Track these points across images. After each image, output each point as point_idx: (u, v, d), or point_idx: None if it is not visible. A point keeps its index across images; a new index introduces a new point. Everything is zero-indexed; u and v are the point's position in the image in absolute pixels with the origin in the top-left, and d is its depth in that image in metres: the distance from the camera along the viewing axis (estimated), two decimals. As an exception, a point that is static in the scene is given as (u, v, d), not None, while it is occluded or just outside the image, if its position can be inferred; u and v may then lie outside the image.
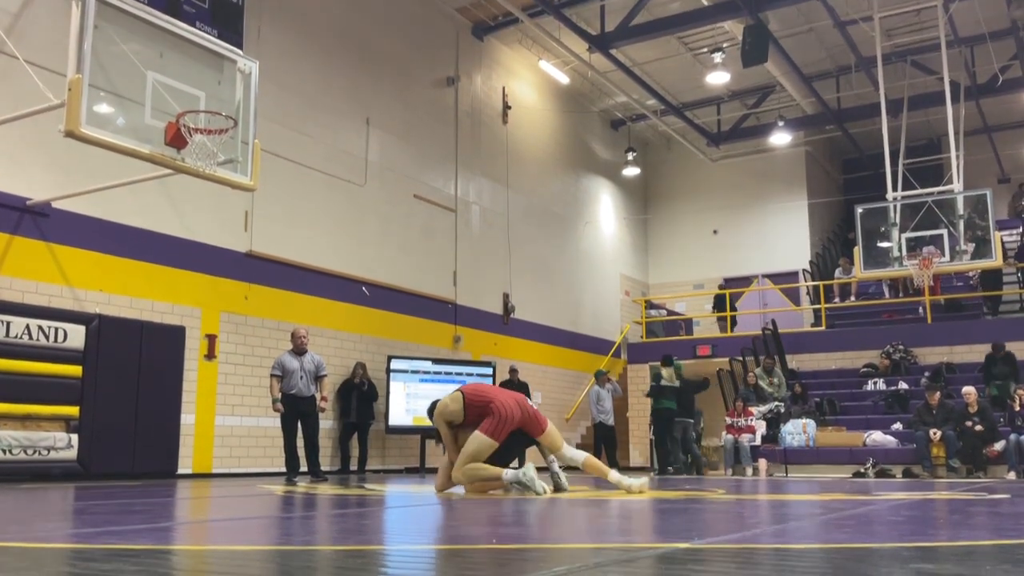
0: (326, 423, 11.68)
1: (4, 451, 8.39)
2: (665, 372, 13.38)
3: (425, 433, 12.51)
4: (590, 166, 19.84)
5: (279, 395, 9.53)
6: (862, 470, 11.96)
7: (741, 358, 16.03)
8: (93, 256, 9.70)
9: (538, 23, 15.15)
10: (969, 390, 12.18)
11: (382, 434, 12.96)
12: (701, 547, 2.90)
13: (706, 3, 14.60)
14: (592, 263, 19.45)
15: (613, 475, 6.69)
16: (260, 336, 11.40)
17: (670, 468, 13.18)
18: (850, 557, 2.71)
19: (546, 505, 5.20)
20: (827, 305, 17.77)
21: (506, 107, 16.95)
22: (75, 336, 9.20)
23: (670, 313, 20.75)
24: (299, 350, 9.77)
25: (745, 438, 13.42)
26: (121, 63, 7.80)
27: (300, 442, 9.76)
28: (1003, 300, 16.93)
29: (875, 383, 14.89)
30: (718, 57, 15.93)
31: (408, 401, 12.92)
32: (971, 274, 16.75)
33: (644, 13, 14.86)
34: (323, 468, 10.03)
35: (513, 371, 14.67)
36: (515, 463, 6.80)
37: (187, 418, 10.33)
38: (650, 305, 20.04)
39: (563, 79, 17.80)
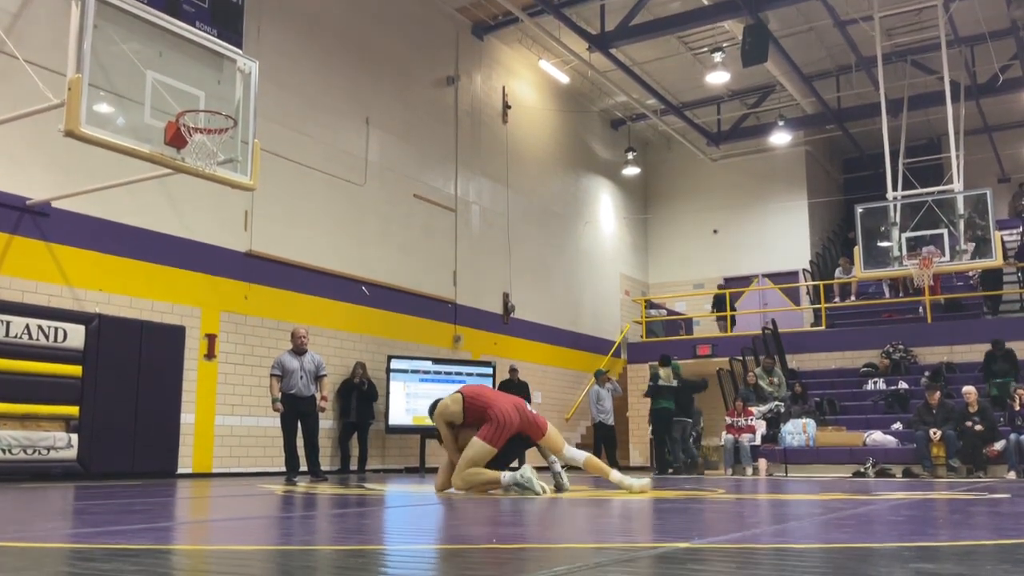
0: (326, 423, 11.68)
1: (4, 451, 8.38)
2: (663, 372, 13.38)
3: (425, 433, 12.51)
4: (590, 166, 19.84)
5: (279, 395, 9.53)
6: (862, 470, 11.96)
7: (741, 358, 16.03)
8: (93, 256, 9.70)
9: (538, 23, 15.15)
10: (969, 390, 12.18)
11: (382, 434, 12.96)
12: (701, 547, 2.90)
13: (706, 3, 14.60)
14: (592, 263, 19.45)
15: (614, 475, 6.69)
16: (260, 336, 11.40)
17: (670, 468, 13.18)
18: (850, 557, 2.70)
19: (546, 505, 5.20)
20: (827, 305, 17.77)
21: (506, 107, 16.95)
22: (75, 336, 9.20)
23: (670, 313, 20.75)
24: (299, 350, 9.77)
25: (745, 438, 13.42)
26: (121, 63, 7.80)
27: (300, 442, 9.75)
28: (1003, 300, 16.93)
29: (875, 383, 14.89)
30: (718, 57, 15.92)
31: (408, 401, 12.92)
32: (971, 274, 16.75)
33: (644, 13, 14.86)
34: (323, 468, 10.02)
35: (513, 371, 14.67)
36: (515, 463, 6.80)
37: (187, 418, 10.33)
38: (650, 305, 20.03)
39: (563, 79, 17.80)
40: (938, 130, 18.62)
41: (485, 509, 4.90)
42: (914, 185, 13.80)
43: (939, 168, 16.72)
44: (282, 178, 11.83)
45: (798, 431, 13.07)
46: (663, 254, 21.82)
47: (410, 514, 4.92)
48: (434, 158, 14.95)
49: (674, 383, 13.34)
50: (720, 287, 19.91)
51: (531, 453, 7.20)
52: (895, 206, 13.25)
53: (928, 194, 13.30)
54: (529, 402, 13.62)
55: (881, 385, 14.74)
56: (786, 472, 12.81)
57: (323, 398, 9.89)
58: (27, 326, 8.79)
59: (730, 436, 13.50)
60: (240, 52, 8.87)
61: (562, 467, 6.79)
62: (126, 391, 9.54)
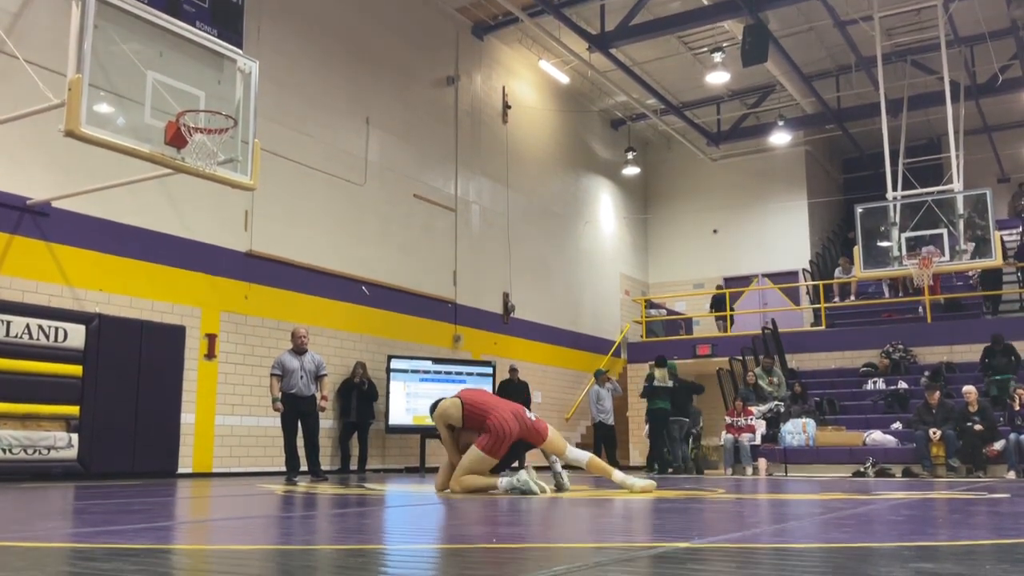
0: (326, 423, 11.68)
1: (4, 450, 8.39)
2: (658, 373, 13.40)
3: (425, 433, 12.52)
4: (590, 166, 19.84)
5: (279, 394, 9.53)
6: (862, 469, 11.96)
7: (741, 357, 16.03)
8: (93, 256, 9.70)
9: (538, 23, 15.16)
10: (969, 389, 12.18)
11: (382, 433, 12.97)
12: (701, 547, 2.90)
13: (706, 3, 14.60)
14: (592, 263, 19.45)
15: (617, 475, 6.69)
16: (260, 336, 11.40)
17: (670, 468, 13.19)
18: (850, 557, 2.71)
19: (546, 505, 5.20)
20: (827, 305, 17.77)
21: (506, 107, 16.95)
22: (75, 336, 9.20)
23: (670, 312, 20.76)
24: (299, 349, 9.77)
25: (745, 437, 13.42)
26: (121, 63, 7.80)
27: (300, 441, 9.75)
28: (1003, 299, 16.94)
29: (875, 383, 14.89)
30: (718, 57, 15.93)
31: (408, 401, 12.93)
32: (971, 273, 16.76)
33: (644, 12, 14.86)
34: (323, 467, 10.02)
35: (513, 371, 14.67)
36: (515, 464, 6.80)
37: (187, 417, 10.33)
38: (650, 304, 20.04)
39: (563, 79, 17.80)
40: (938, 130, 18.62)
41: (485, 509, 4.90)
42: (914, 185, 13.80)
43: (939, 168, 16.72)
44: (282, 178, 11.84)
45: (798, 431, 13.07)
46: (663, 254, 21.83)
47: (410, 514, 4.92)
48: (434, 158, 14.95)
49: (670, 384, 13.36)
50: (720, 287, 19.91)
51: (533, 453, 7.20)
52: (895, 206, 13.25)
53: (928, 194, 13.30)
54: (529, 402, 13.69)
55: (881, 385, 14.74)
56: (786, 472, 12.81)
57: (323, 398, 9.89)
58: (27, 326, 8.79)
59: (730, 436, 13.50)
60: (240, 52, 8.87)
61: (563, 467, 6.79)
62: (126, 391, 9.54)
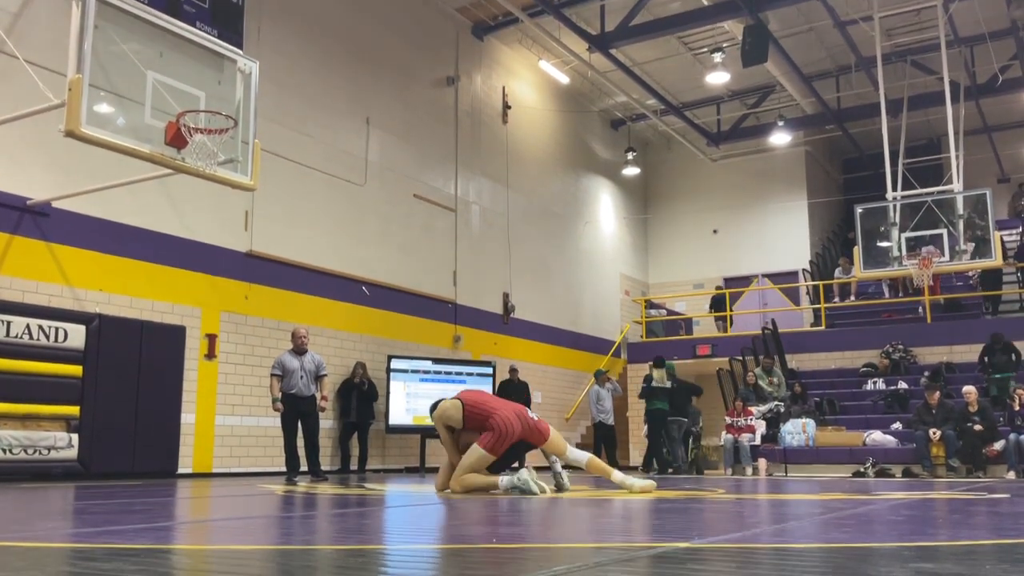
0: (326, 423, 11.68)
1: (4, 451, 8.39)
2: (656, 374, 13.41)
3: (425, 433, 12.51)
4: (590, 166, 19.84)
5: (279, 394, 9.53)
6: (862, 470, 11.96)
7: (741, 358, 16.03)
8: (93, 256, 9.70)
9: (538, 23, 15.16)
10: (969, 389, 12.18)
11: (382, 434, 12.97)
12: (701, 547, 2.90)
13: (706, 3, 14.61)
14: (592, 263, 19.45)
15: (616, 475, 6.69)
16: (260, 336, 11.40)
17: (670, 468, 13.19)
18: (850, 557, 2.71)
19: (546, 505, 5.20)
20: (827, 305, 17.77)
21: (506, 107, 16.96)
22: (75, 336, 9.20)
23: (670, 313, 20.76)
24: (299, 350, 9.77)
25: (745, 438, 13.42)
26: (121, 63, 7.80)
27: (300, 442, 9.76)
28: (1003, 300, 16.94)
29: (875, 383, 14.89)
30: (718, 57, 15.93)
31: (408, 401, 12.93)
32: (971, 274, 16.76)
33: (644, 13, 14.86)
34: (323, 468, 10.03)
35: (513, 371, 14.67)
36: (515, 464, 6.81)
37: (187, 418, 10.33)
38: (650, 305, 20.04)
39: (563, 79, 17.80)
40: (938, 130, 18.62)
41: (485, 509, 4.90)
42: (914, 185, 13.80)
43: (939, 168, 16.73)
44: (282, 178, 11.84)
45: (798, 431, 13.07)
46: (663, 254, 21.83)
47: (410, 514, 4.92)
48: (434, 158, 14.95)
49: (668, 384, 13.37)
50: (720, 287, 19.91)
51: (533, 453, 7.20)
52: (895, 206, 13.25)
53: (928, 194, 13.30)
54: (529, 403, 13.68)
55: (881, 385, 14.74)
56: (786, 472, 12.82)
57: (323, 398, 9.89)
58: (28, 326, 8.79)
59: (730, 436, 13.51)
60: (240, 52, 8.87)
61: (563, 467, 6.79)
62: (126, 391, 9.54)
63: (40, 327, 8.90)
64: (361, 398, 12.35)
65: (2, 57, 8.80)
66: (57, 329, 9.05)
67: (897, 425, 13.09)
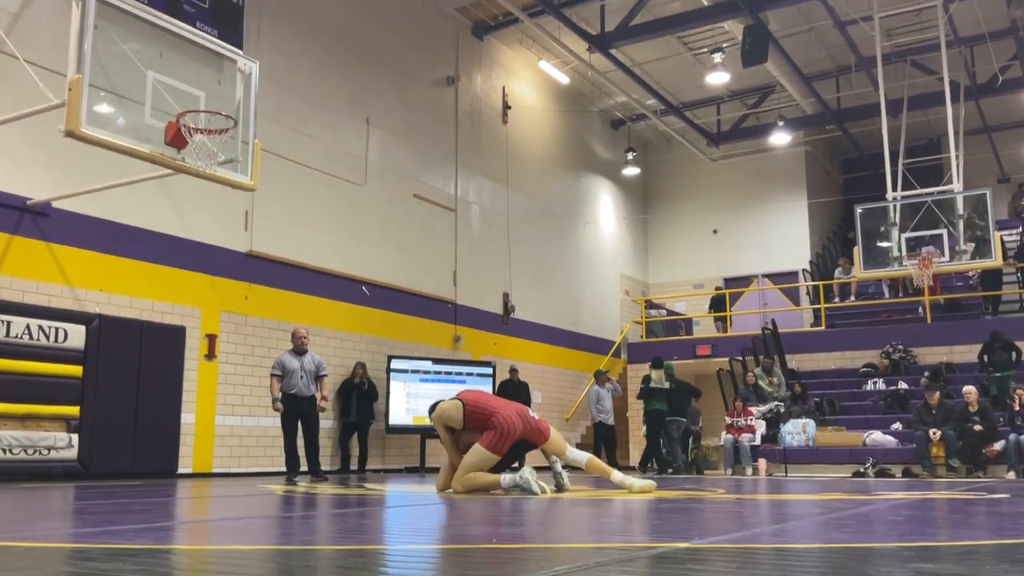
0: (326, 423, 11.68)
1: (5, 451, 8.39)
2: (655, 374, 13.43)
3: (425, 433, 12.51)
4: (590, 166, 19.84)
5: (279, 395, 9.53)
6: (862, 470, 11.96)
7: (741, 358, 16.03)
8: (93, 256, 9.70)
9: (538, 23, 15.16)
10: (969, 389, 12.19)
11: (382, 434, 12.97)
12: (701, 547, 2.90)
13: (706, 3, 14.61)
14: (592, 263, 19.45)
15: (616, 475, 6.69)
16: (260, 336, 11.40)
17: (669, 468, 13.19)
18: (850, 557, 2.71)
19: (546, 505, 5.20)
20: (827, 305, 17.77)
21: (506, 107, 16.96)
22: (75, 336, 9.20)
23: (670, 313, 20.76)
24: (299, 350, 9.77)
25: (745, 438, 13.42)
26: (121, 63, 7.80)
27: (300, 442, 9.76)
28: (1003, 300, 16.94)
29: (875, 383, 14.89)
30: (718, 57, 15.93)
31: (408, 401, 12.93)
32: (971, 274, 16.76)
33: (644, 13, 14.86)
34: (323, 468, 10.03)
35: (513, 371, 14.67)
36: (515, 464, 6.80)
37: (187, 418, 10.33)
38: (650, 305, 20.04)
39: (563, 79, 17.80)
40: (938, 130, 18.62)
41: (485, 509, 4.90)
42: (914, 185, 13.80)
43: (939, 168, 16.72)
44: (282, 178, 11.84)
45: (798, 431, 13.07)
46: (663, 254, 21.83)
47: (410, 514, 4.92)
48: (434, 158, 14.95)
49: (666, 385, 13.39)
50: (720, 287, 19.91)
51: (532, 453, 7.21)
52: (895, 206, 13.25)
53: (928, 194, 13.30)
54: (529, 403, 13.69)
55: (881, 385, 14.74)
56: (786, 472, 12.82)
57: (323, 398, 9.89)
58: (28, 326, 8.79)
59: (730, 436, 13.51)
60: (240, 52, 8.87)
61: (563, 467, 6.79)
62: (126, 391, 9.54)
63: (40, 327, 8.90)
64: (361, 398, 12.36)
65: (2, 57, 8.80)
66: (57, 329, 9.05)
67: (897, 425, 13.09)
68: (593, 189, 19.90)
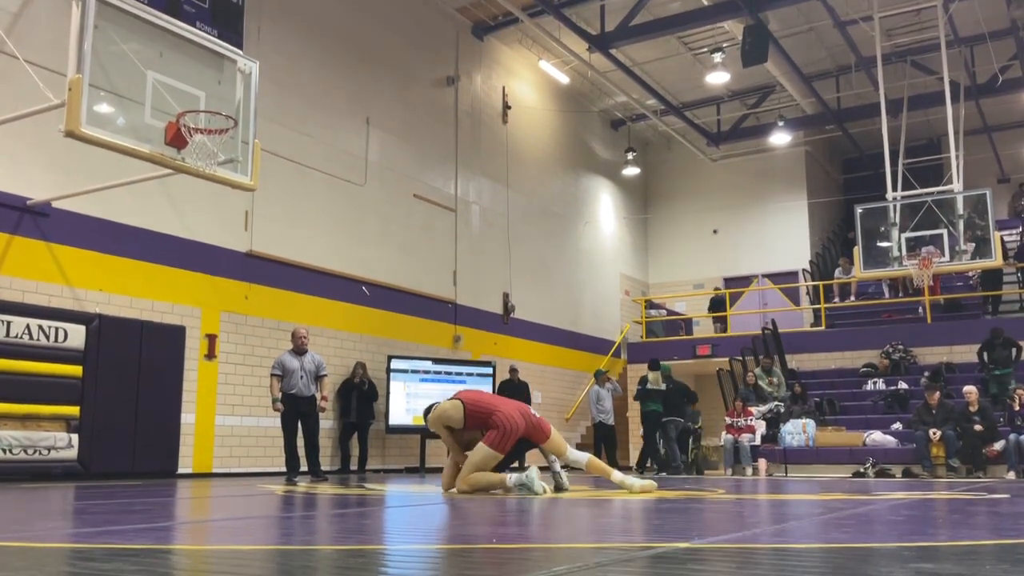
0: (326, 423, 11.68)
1: (4, 451, 8.39)
2: (651, 376, 13.45)
3: (425, 433, 12.51)
4: (590, 166, 19.84)
5: (279, 395, 9.53)
6: (862, 470, 11.96)
7: (741, 358, 16.03)
8: (93, 256, 9.70)
9: (538, 23, 15.16)
10: (970, 389, 12.18)
11: (382, 434, 12.97)
12: (701, 547, 2.90)
13: (706, 3, 14.61)
14: (592, 263, 19.45)
15: (616, 475, 6.69)
16: (260, 336, 11.40)
17: (669, 468, 13.20)
18: (850, 557, 2.71)
19: (547, 505, 5.20)
20: (827, 305, 17.77)
21: (506, 107, 16.96)
22: (75, 336, 9.20)
23: (670, 313, 20.76)
24: (299, 350, 9.77)
25: (745, 438, 13.41)
26: (121, 63, 7.80)
27: (300, 442, 9.75)
28: (1003, 300, 16.94)
29: (875, 383, 14.89)
30: (718, 57, 15.93)
31: (408, 401, 12.93)
32: (971, 274, 16.76)
33: (644, 13, 14.86)
34: (323, 468, 10.03)
35: (513, 371, 14.68)
36: (515, 464, 6.81)
37: (187, 418, 10.33)
38: (650, 305, 20.04)
39: (563, 79, 17.80)
40: (938, 130, 18.63)
41: (485, 509, 4.90)
42: (914, 185, 13.80)
43: (939, 168, 16.72)
44: (282, 178, 11.84)
45: (798, 431, 13.07)
46: (663, 254, 21.83)
47: (410, 514, 4.92)
48: (434, 158, 14.95)
49: (663, 386, 13.40)
50: (719, 288, 19.91)
51: (531, 453, 7.21)
52: (895, 206, 13.25)
53: (928, 194, 13.30)
54: (529, 403, 13.69)
55: (881, 385, 14.74)
56: (786, 472, 12.81)
57: (323, 398, 9.89)
58: (27, 326, 8.79)
59: (730, 436, 13.50)
60: (240, 52, 8.87)
61: (562, 467, 6.79)
62: (126, 391, 9.54)
63: (40, 327, 8.90)
64: (361, 398, 12.36)
65: (2, 57, 8.80)
66: (57, 329, 9.05)
67: (897, 425, 13.09)
68: (593, 189, 19.90)
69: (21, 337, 8.73)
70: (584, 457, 6.82)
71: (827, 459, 12.70)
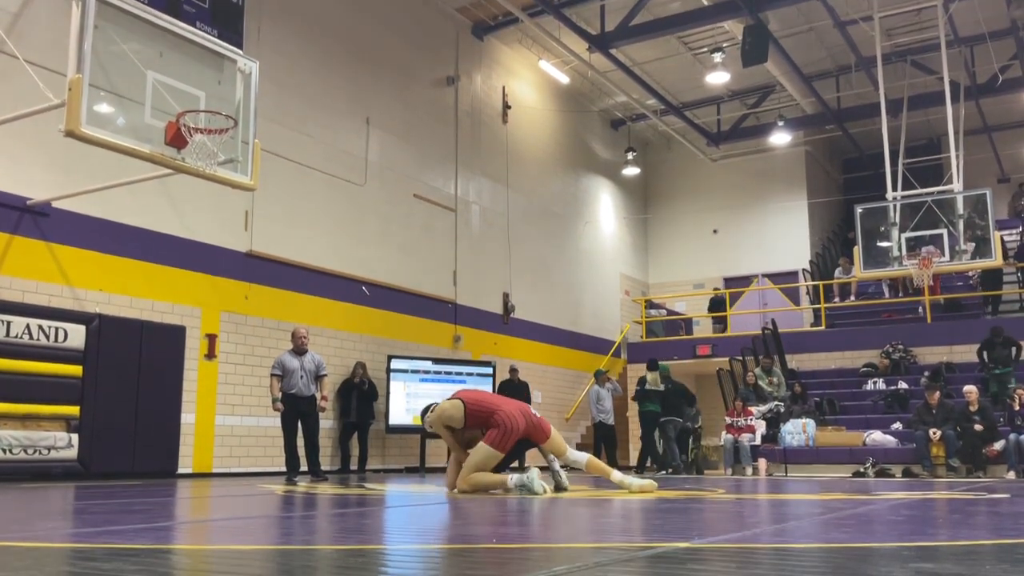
0: (326, 423, 11.68)
1: (5, 451, 8.39)
2: (650, 376, 13.46)
3: (425, 433, 12.50)
4: (590, 166, 19.84)
5: (279, 394, 9.53)
6: (862, 470, 11.96)
7: (741, 358, 16.03)
8: (93, 256, 9.70)
9: (538, 23, 15.16)
10: (970, 389, 12.18)
11: (382, 434, 12.97)
12: (701, 547, 2.90)
13: (706, 3, 14.61)
14: (592, 263, 19.45)
15: (616, 475, 6.69)
16: (260, 336, 11.41)
17: (669, 468, 13.20)
18: (850, 557, 2.71)
19: (546, 505, 5.20)
20: (827, 305, 17.77)
21: (506, 107, 16.96)
22: (75, 336, 9.20)
23: (670, 313, 20.76)
24: (299, 350, 9.77)
25: (745, 438, 13.42)
26: (121, 63, 7.80)
27: (300, 442, 9.76)
28: (1003, 300, 16.94)
29: (875, 383, 14.89)
30: (718, 57, 15.93)
31: (408, 401, 12.93)
32: (971, 274, 16.76)
33: (644, 13, 14.86)
34: (323, 468, 10.03)
35: (513, 371, 14.67)
36: (515, 463, 6.80)
37: (187, 418, 10.33)
38: (650, 305, 20.04)
39: (563, 79, 17.80)
40: (938, 130, 18.63)
41: (485, 509, 4.90)
42: (914, 185, 13.80)
43: (939, 168, 16.73)
44: (282, 178, 11.84)
45: (798, 431, 13.07)
46: (663, 254, 21.83)
47: (410, 514, 4.92)
48: (434, 158, 14.95)
49: (661, 387, 13.40)
50: (719, 288, 19.91)
51: (531, 453, 7.21)
52: (895, 206, 13.25)
53: (928, 194, 13.30)
54: (529, 403, 13.68)
55: (881, 385, 14.74)
56: (786, 472, 12.82)
57: (323, 398, 9.89)
58: (27, 326, 8.79)
59: (730, 436, 13.50)
60: (240, 52, 8.87)
61: (561, 467, 6.79)
62: (126, 391, 9.54)
63: (40, 327, 8.90)
64: (361, 398, 12.36)
65: (2, 57, 8.80)
66: (57, 329, 9.05)
67: (897, 425, 13.09)
68: (593, 189, 19.89)
69: (21, 337, 8.73)
70: (584, 457, 6.82)
71: (827, 459, 12.71)
